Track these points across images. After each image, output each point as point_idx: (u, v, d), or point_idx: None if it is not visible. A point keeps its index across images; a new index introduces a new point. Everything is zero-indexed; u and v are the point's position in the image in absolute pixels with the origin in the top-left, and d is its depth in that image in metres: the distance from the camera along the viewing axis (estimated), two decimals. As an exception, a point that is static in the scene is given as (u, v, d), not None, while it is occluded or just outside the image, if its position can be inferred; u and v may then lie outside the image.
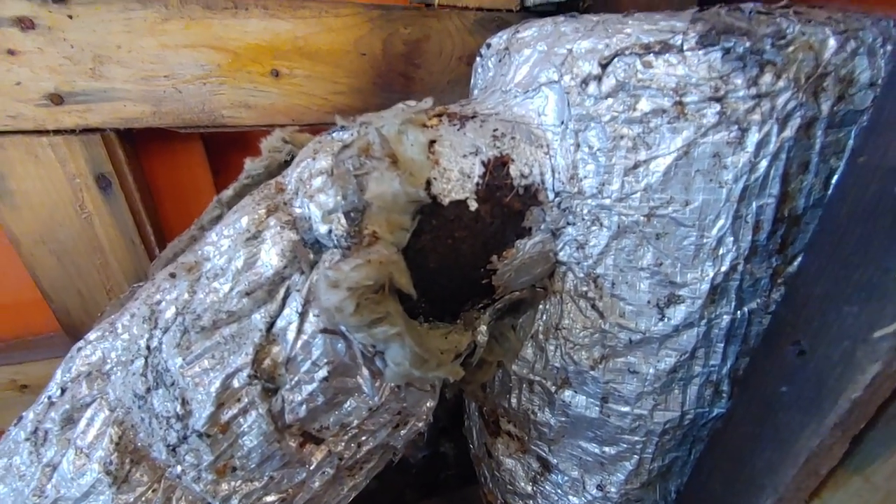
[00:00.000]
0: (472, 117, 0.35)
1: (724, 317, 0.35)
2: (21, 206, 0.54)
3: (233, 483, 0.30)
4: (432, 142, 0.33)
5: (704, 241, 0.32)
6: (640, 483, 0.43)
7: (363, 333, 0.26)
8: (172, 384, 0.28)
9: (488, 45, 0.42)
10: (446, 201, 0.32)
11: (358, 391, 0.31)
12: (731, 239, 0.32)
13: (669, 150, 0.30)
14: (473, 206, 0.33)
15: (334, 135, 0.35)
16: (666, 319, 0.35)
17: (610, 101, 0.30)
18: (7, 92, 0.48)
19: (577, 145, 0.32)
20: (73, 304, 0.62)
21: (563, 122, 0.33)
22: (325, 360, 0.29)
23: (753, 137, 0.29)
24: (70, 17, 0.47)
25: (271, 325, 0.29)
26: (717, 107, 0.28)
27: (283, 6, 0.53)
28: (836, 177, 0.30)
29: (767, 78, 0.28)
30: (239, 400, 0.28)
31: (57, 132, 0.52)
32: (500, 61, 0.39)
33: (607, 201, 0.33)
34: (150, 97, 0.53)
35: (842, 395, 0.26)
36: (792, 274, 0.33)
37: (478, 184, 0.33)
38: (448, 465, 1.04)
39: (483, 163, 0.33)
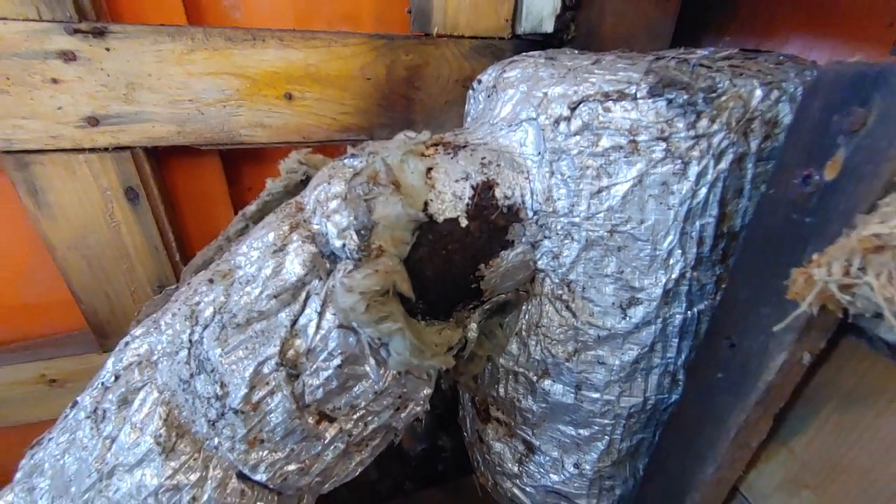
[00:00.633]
0: (464, 147, 0.41)
1: (677, 316, 0.41)
2: (57, 216, 0.60)
3: (261, 453, 0.36)
4: (429, 169, 0.39)
5: (657, 252, 0.38)
6: (611, 461, 0.49)
7: (371, 328, 0.32)
8: (213, 370, 0.34)
9: (479, 81, 0.48)
10: (441, 219, 0.38)
11: (365, 377, 0.37)
12: (680, 251, 0.38)
13: (626, 179, 0.36)
14: (464, 223, 0.39)
15: (346, 161, 0.41)
16: (628, 318, 0.41)
17: (577, 137, 0.36)
18: (50, 115, 0.54)
19: (552, 173, 0.39)
20: (101, 305, 0.68)
21: (540, 153, 0.39)
22: (339, 351, 0.35)
23: (694, 169, 0.35)
24: (107, 49, 0.53)
25: (294, 322, 0.35)
26: (664, 145, 0.34)
27: (296, 37, 0.59)
28: (754, 205, 0.36)
29: (703, 122, 0.34)
30: (267, 383, 0.34)
31: (92, 150, 0.57)
32: (488, 97, 0.45)
33: (577, 219, 0.39)
34: (175, 118, 0.58)
35: (760, 378, 0.32)
36: (727, 284, 0.39)
37: (468, 204, 0.39)
38: (446, 457, 1.09)
39: (472, 186, 0.39)
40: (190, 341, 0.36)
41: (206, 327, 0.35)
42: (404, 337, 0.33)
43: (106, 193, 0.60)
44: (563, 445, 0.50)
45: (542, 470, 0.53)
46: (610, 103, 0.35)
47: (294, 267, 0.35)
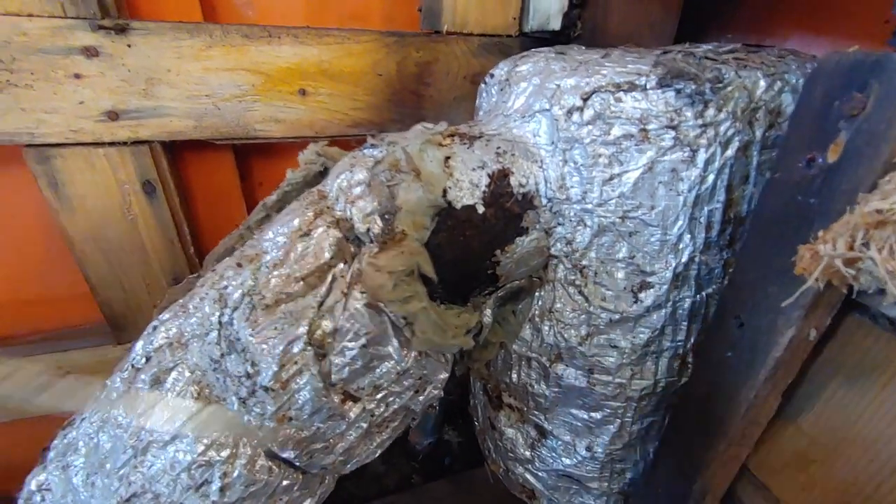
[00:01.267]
0: (479, 137, 0.43)
1: (687, 300, 0.43)
2: (76, 209, 0.61)
3: (289, 430, 0.37)
4: (447, 158, 0.40)
5: (667, 237, 0.40)
6: (622, 444, 0.50)
7: (398, 307, 0.33)
8: (243, 350, 0.36)
9: (492, 76, 0.50)
10: (459, 206, 0.40)
11: (388, 358, 0.38)
12: (689, 236, 0.40)
13: (637, 166, 0.38)
14: (481, 209, 0.40)
15: (366, 151, 0.42)
16: (639, 302, 0.43)
17: (590, 127, 0.38)
18: (72, 110, 0.55)
19: (565, 161, 0.40)
20: (117, 297, 0.69)
21: (553, 143, 0.40)
22: (364, 332, 0.36)
23: (702, 156, 0.37)
24: (129, 45, 0.54)
25: (321, 304, 0.36)
26: (673, 133, 0.36)
27: (310, 34, 0.60)
28: (759, 191, 0.38)
29: (711, 111, 0.35)
30: (296, 362, 0.36)
31: (111, 144, 0.59)
32: (501, 90, 0.47)
33: (589, 206, 0.41)
34: (193, 113, 0.60)
35: (769, 355, 0.34)
36: (735, 266, 0.40)
37: (484, 192, 0.40)
38: (452, 451, 1.10)
39: (489, 175, 0.41)
40: (220, 323, 0.37)
41: (235, 309, 0.37)
42: (428, 316, 0.34)
43: (124, 187, 0.62)
44: (575, 429, 0.52)
45: (554, 454, 0.54)
46: (621, 94, 0.37)
47: (320, 251, 0.36)
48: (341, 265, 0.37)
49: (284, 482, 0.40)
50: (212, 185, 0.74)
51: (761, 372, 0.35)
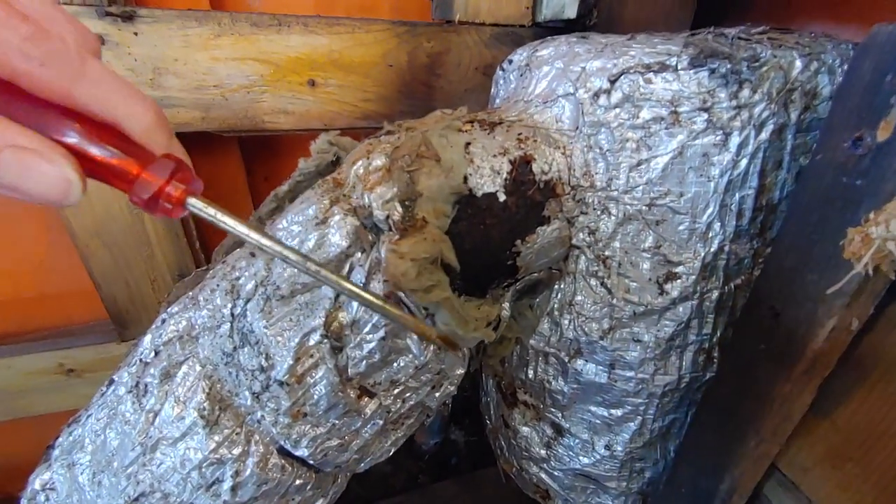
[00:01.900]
0: (500, 123, 0.41)
1: (714, 291, 0.41)
2: (81, 203, 0.59)
3: (303, 427, 0.35)
4: (468, 144, 0.39)
5: (696, 226, 0.38)
6: (642, 442, 0.49)
7: (420, 296, 0.32)
8: (257, 343, 0.34)
9: (510, 62, 0.48)
10: (479, 193, 0.38)
11: (407, 351, 0.37)
12: (719, 224, 0.38)
13: (667, 151, 0.36)
14: (502, 197, 0.39)
15: (383, 137, 0.41)
16: (665, 293, 0.41)
17: (617, 110, 0.37)
18: (76, 99, 0.54)
19: (590, 147, 0.39)
20: (120, 293, 0.68)
21: (577, 128, 0.39)
22: (383, 323, 0.35)
23: (735, 140, 0.35)
24: (135, 34, 0.53)
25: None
26: (705, 115, 0.35)
27: (321, 24, 0.59)
28: (792, 178, 0.36)
29: (745, 92, 0.34)
30: (312, 356, 0.34)
31: (117, 135, 0.57)
32: (521, 75, 0.45)
33: (615, 193, 0.39)
34: (200, 104, 0.58)
35: (807, 346, 0.32)
36: (769, 254, 0.39)
37: (506, 179, 0.39)
38: (458, 451, 1.09)
39: (510, 161, 0.39)
40: (232, 315, 0.35)
41: (248, 300, 0.35)
42: (451, 306, 0.32)
43: (129, 180, 0.60)
44: (593, 427, 0.50)
45: (571, 453, 0.53)
46: (651, 75, 0.35)
47: (337, 239, 0.35)
48: (359, 254, 0.35)
49: (297, 481, 0.38)
50: (218, 179, 0.73)
51: (798, 365, 0.33)
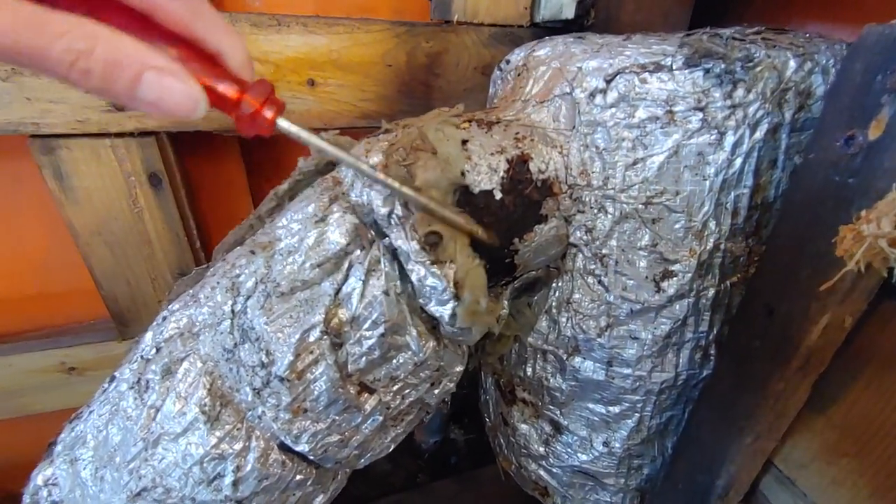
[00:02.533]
0: (497, 122, 0.42)
1: (710, 289, 0.41)
2: (82, 201, 0.60)
3: (304, 423, 0.36)
4: (465, 141, 0.39)
5: (692, 224, 0.39)
6: (640, 439, 0.49)
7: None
8: (257, 339, 0.35)
9: (507, 62, 0.49)
10: (477, 190, 0.39)
11: (406, 347, 0.37)
12: (714, 223, 0.38)
13: (662, 150, 0.37)
14: (499, 196, 0.39)
15: (381, 136, 0.41)
16: (661, 291, 0.41)
17: (613, 109, 0.37)
18: (78, 100, 0.54)
19: (586, 146, 0.39)
20: (121, 291, 0.68)
21: (574, 127, 0.39)
22: (383, 319, 0.35)
23: (730, 139, 0.36)
24: (136, 33, 0.53)
25: (338, 291, 0.35)
26: (700, 115, 0.35)
27: (320, 23, 0.59)
28: (787, 176, 0.37)
29: (740, 92, 0.34)
30: (312, 352, 0.34)
31: (118, 135, 0.58)
32: (518, 75, 0.46)
33: (611, 192, 0.39)
34: (200, 104, 0.59)
35: (801, 343, 0.33)
36: (764, 251, 0.39)
37: (503, 177, 0.39)
38: (458, 450, 1.09)
39: (507, 160, 0.39)
40: (232, 312, 0.36)
41: (248, 297, 0.36)
42: (480, 273, 0.33)
43: (130, 179, 0.61)
44: (591, 424, 0.50)
45: (569, 450, 0.53)
46: (646, 74, 0.35)
47: (336, 236, 0.35)
48: (358, 251, 0.36)
49: (298, 476, 0.39)
50: (218, 178, 0.73)
51: (792, 361, 0.33)
